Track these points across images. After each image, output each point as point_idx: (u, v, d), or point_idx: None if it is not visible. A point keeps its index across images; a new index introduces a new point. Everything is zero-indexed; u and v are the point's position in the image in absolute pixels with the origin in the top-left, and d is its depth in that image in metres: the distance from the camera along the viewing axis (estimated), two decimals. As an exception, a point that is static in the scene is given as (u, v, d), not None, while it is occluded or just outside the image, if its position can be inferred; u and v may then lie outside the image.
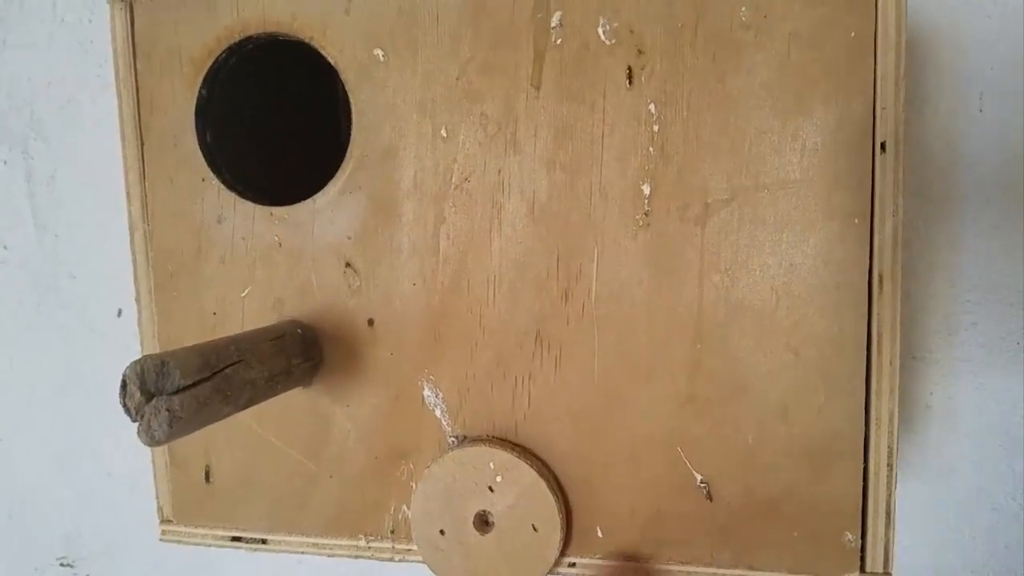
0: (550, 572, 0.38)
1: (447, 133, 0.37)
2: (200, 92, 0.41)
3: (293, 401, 0.41)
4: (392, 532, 0.41)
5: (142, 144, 0.42)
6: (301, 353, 0.39)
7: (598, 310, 0.37)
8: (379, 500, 0.41)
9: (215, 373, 0.32)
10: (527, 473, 0.37)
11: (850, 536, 0.35)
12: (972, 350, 0.43)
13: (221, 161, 0.42)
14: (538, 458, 0.38)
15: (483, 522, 0.38)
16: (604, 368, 0.37)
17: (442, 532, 0.38)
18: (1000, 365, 0.42)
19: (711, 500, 0.36)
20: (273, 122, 0.46)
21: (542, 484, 0.37)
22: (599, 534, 0.38)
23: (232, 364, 0.33)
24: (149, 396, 0.30)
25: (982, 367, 0.42)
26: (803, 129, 0.34)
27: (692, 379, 0.36)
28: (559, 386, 0.38)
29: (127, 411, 0.30)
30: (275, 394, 0.37)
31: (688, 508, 0.36)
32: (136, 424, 0.30)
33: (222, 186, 0.41)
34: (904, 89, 0.33)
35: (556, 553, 0.37)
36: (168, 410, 0.29)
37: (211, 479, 0.43)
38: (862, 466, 0.34)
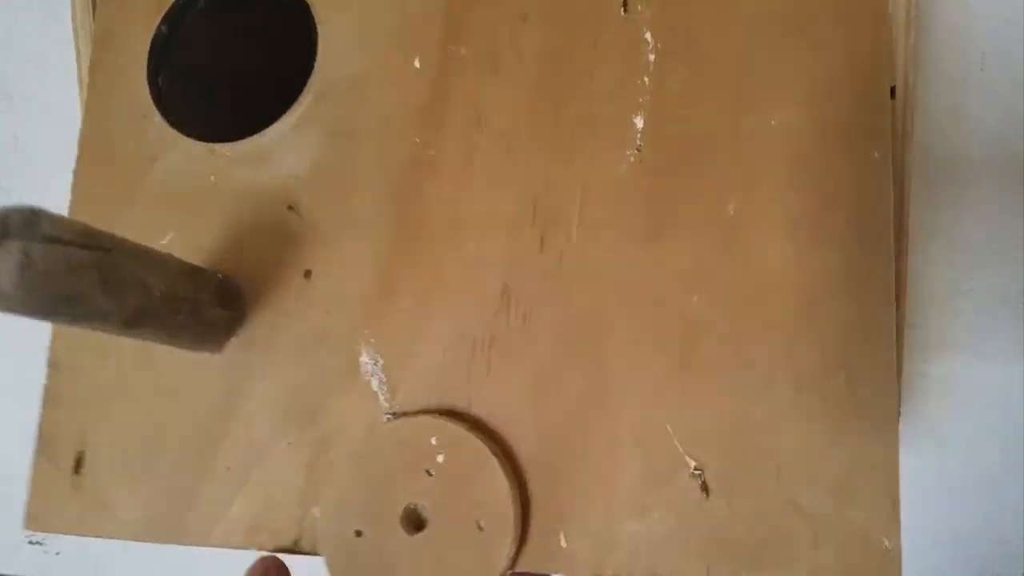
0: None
1: (420, 64, 0.34)
2: (159, 28, 0.38)
3: (197, 370, 0.34)
4: (295, 543, 0.32)
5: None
6: (215, 294, 0.32)
7: (578, 260, 0.31)
8: (285, 499, 0.32)
9: (99, 248, 0.26)
10: (477, 449, 0.29)
11: (887, 542, 0.26)
12: (969, 317, 0.38)
13: (172, 105, 0.38)
14: (495, 435, 0.30)
15: (414, 519, 0.29)
16: (581, 329, 0.31)
17: (358, 533, 0.29)
18: (998, 333, 0.38)
19: (707, 494, 0.28)
20: (243, 78, 0.42)
21: (494, 464, 0.29)
22: (562, 543, 0.29)
23: (123, 252, 0.27)
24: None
25: (979, 335, 0.38)
26: (814, 63, 0.31)
27: (687, 342, 0.30)
28: (526, 351, 0.31)
29: (-32, 257, 0.23)
30: (175, 328, 0.30)
31: (678, 505, 0.28)
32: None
33: (164, 122, 0.37)
34: (916, 31, 0.31)
35: (505, 562, 0.28)
36: (25, 254, 0.22)
37: (81, 470, 0.34)
38: (897, 447, 0.27)
